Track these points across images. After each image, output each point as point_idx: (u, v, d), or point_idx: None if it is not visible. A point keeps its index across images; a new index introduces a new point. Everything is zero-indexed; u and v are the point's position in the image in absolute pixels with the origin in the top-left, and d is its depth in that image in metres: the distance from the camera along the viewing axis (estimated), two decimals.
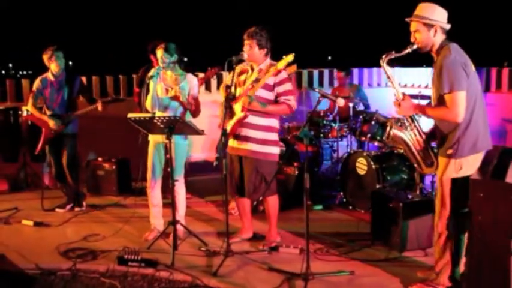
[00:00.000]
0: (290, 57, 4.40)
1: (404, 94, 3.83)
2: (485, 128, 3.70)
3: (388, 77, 3.88)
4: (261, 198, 4.49)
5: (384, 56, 3.82)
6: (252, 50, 4.54)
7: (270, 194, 4.67)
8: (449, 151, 3.64)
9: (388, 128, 3.93)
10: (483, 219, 3.32)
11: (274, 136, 4.68)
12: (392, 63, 3.90)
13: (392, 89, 3.88)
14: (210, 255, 4.56)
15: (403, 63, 7.04)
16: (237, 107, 4.56)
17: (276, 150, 4.69)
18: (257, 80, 4.52)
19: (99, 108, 5.78)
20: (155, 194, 5.01)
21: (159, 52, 4.84)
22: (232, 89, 4.58)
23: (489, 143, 3.71)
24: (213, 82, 8.50)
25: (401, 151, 5.78)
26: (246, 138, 4.59)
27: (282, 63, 4.40)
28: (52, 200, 6.20)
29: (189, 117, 4.91)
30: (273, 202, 4.73)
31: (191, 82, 4.92)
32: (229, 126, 4.57)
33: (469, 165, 3.61)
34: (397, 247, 4.55)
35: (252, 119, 4.55)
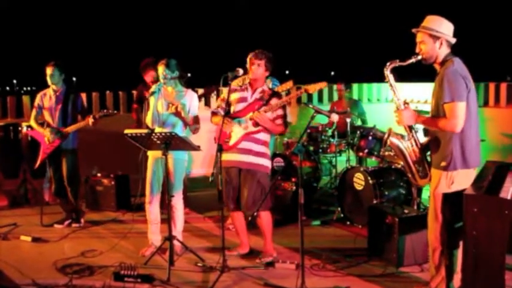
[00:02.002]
0: (323, 85, 4.57)
1: (406, 103, 3.82)
2: (477, 145, 3.73)
3: (390, 85, 3.86)
4: (255, 213, 4.49)
5: (387, 64, 3.82)
6: (260, 70, 4.66)
7: (264, 209, 4.69)
8: (443, 163, 3.65)
9: (385, 135, 3.93)
10: (478, 235, 3.31)
11: (267, 150, 4.83)
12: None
13: (394, 100, 3.86)
14: (206, 270, 4.56)
15: (402, 78, 7.05)
16: (244, 120, 4.66)
17: (269, 163, 4.83)
18: (262, 99, 4.66)
19: (90, 123, 5.77)
20: (153, 209, 5.01)
21: (161, 68, 4.87)
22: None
23: (479, 160, 3.74)
24: (212, 98, 8.54)
25: (399, 166, 5.79)
26: (249, 151, 4.67)
27: (315, 88, 4.56)
28: (52, 216, 6.21)
29: (189, 133, 4.94)
30: (266, 217, 4.76)
31: (191, 98, 4.96)
32: (235, 138, 4.65)
33: (460, 180, 3.63)
34: (394, 262, 4.54)
35: (256, 133, 4.69)
